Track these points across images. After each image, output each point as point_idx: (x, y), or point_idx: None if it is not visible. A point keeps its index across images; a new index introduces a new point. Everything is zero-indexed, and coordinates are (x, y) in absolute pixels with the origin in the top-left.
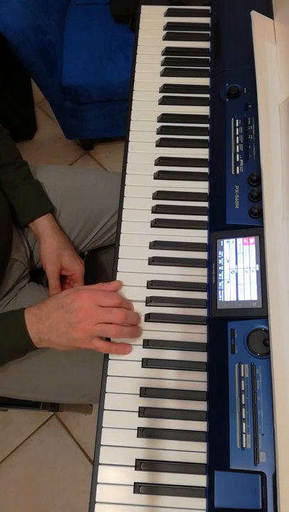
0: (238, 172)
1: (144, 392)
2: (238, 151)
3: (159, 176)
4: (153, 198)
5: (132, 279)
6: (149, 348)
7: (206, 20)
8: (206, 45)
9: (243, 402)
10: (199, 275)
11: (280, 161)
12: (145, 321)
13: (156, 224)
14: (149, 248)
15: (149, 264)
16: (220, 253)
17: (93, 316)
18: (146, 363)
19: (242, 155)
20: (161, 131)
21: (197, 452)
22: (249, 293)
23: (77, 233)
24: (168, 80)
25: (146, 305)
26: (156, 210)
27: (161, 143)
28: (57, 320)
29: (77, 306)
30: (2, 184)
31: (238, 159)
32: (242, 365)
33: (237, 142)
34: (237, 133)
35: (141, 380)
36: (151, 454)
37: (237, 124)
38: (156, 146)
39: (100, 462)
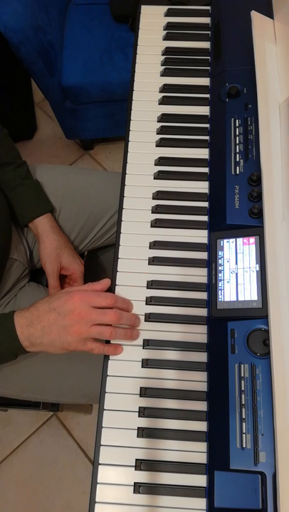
0: (238, 172)
1: (144, 392)
2: (238, 151)
3: (159, 175)
4: (153, 198)
5: (132, 279)
6: (149, 348)
7: (206, 20)
8: (206, 45)
9: (243, 402)
10: (199, 275)
11: (280, 161)
12: (145, 321)
13: (156, 224)
14: (149, 248)
15: (149, 264)
16: (220, 253)
17: (86, 318)
18: (146, 363)
19: (242, 155)
20: (161, 131)
21: (197, 452)
22: (249, 293)
23: (77, 233)
24: (168, 80)
25: (146, 305)
26: (156, 210)
27: (161, 143)
28: (49, 323)
29: (70, 309)
30: (1, 184)
31: (238, 159)
32: (242, 365)
33: (237, 142)
34: (237, 133)
35: (141, 380)
36: (151, 454)
37: (237, 124)
38: (156, 146)
39: (100, 462)
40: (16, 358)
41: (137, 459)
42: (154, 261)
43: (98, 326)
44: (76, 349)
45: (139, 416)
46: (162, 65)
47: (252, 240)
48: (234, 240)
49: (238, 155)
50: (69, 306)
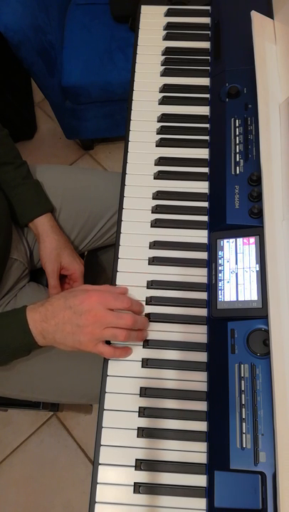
0: (238, 172)
1: (144, 392)
2: (238, 151)
3: (159, 175)
4: (153, 198)
5: (132, 279)
6: (149, 348)
7: (206, 20)
8: (206, 45)
9: (243, 402)
10: (199, 275)
11: (280, 161)
12: None
13: (156, 224)
14: (149, 248)
15: (149, 264)
16: (220, 253)
17: (102, 319)
18: (146, 363)
19: (242, 155)
20: (161, 131)
21: (197, 452)
22: (249, 293)
23: (77, 233)
24: (168, 80)
25: (146, 305)
26: (156, 210)
27: (161, 143)
28: (63, 320)
29: (86, 309)
30: (1, 184)
31: (238, 159)
32: (242, 365)
33: (237, 142)
34: (237, 133)
35: (141, 380)
36: (151, 454)
37: (237, 124)
38: (156, 146)
39: (100, 462)
40: (30, 353)
41: (137, 459)
42: (154, 261)
43: (112, 328)
44: (87, 349)
45: (139, 416)
46: (162, 65)
47: (252, 240)
48: (234, 239)
49: (238, 155)
50: (85, 306)
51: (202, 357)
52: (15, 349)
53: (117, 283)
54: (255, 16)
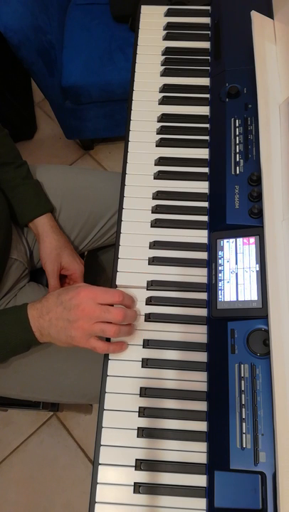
0: (238, 172)
1: (144, 392)
2: (238, 151)
3: (159, 176)
4: (153, 198)
5: (132, 279)
6: (149, 348)
7: (206, 20)
8: (206, 45)
9: (243, 402)
10: (199, 275)
11: (280, 161)
12: (145, 321)
13: (156, 224)
14: (149, 248)
15: (149, 264)
16: (220, 253)
17: (90, 314)
18: (146, 363)
19: (242, 155)
20: (161, 131)
21: (197, 452)
22: (249, 293)
23: (77, 233)
24: (168, 80)
25: (146, 305)
26: (156, 210)
27: (161, 143)
28: (56, 316)
29: (76, 304)
30: (1, 184)
31: (238, 159)
32: (242, 365)
33: (237, 142)
34: (237, 133)
35: (141, 380)
36: (151, 454)
37: (237, 124)
38: (156, 146)
39: (100, 462)
40: (29, 349)
41: (137, 459)
42: (154, 261)
43: (102, 323)
44: (80, 345)
45: (139, 416)
46: (162, 65)
47: (252, 240)
48: (234, 239)
49: (238, 155)
50: (74, 301)
51: (202, 357)
52: (15, 346)
53: (117, 283)
54: (255, 16)
